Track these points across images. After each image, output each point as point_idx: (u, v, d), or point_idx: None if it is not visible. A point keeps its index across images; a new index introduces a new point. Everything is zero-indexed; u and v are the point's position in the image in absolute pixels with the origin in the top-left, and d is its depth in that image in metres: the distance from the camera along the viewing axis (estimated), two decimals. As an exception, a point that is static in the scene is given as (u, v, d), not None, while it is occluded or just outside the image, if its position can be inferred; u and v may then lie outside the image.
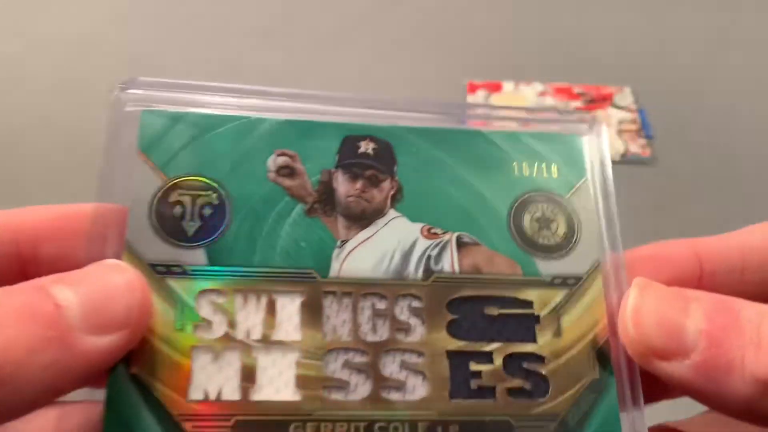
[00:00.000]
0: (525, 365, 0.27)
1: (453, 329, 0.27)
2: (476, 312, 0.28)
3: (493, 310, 0.28)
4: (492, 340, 0.27)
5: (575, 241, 0.29)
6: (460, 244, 0.28)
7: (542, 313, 0.28)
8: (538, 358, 0.27)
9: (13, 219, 0.26)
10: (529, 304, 0.28)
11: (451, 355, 0.27)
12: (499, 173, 0.30)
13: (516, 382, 0.27)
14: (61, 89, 0.54)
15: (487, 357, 0.27)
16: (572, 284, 0.28)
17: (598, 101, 0.44)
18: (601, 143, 0.31)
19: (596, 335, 0.28)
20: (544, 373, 0.27)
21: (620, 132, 0.42)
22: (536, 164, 0.30)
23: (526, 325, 0.28)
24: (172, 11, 0.50)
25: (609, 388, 0.27)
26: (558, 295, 0.28)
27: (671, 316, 0.25)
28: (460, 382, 0.26)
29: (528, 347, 0.27)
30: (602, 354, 0.27)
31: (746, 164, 0.43)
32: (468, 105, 0.31)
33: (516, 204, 0.29)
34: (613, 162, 0.46)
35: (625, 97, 0.43)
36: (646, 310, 0.26)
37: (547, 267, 0.29)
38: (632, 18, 0.49)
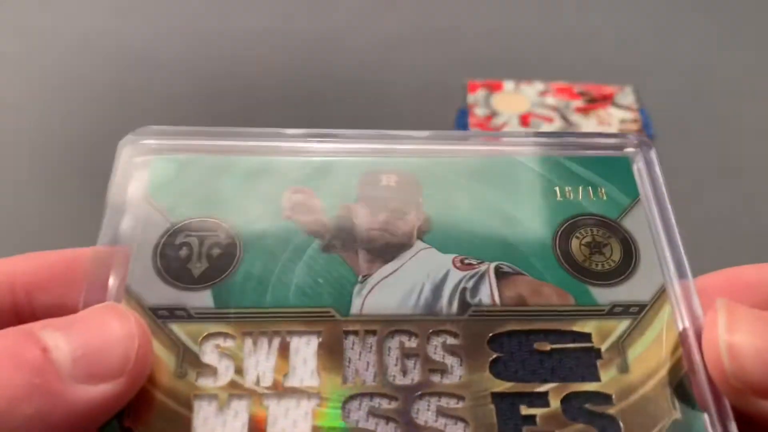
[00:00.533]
0: (588, 407, 0.22)
1: (497, 369, 0.23)
2: (524, 348, 0.23)
3: (545, 346, 0.24)
4: (545, 381, 0.23)
5: (634, 266, 0.25)
6: (500, 274, 0.25)
7: (603, 347, 0.24)
8: (604, 398, 0.23)
9: (7, 268, 0.25)
10: (586, 336, 0.24)
11: (498, 397, 0.22)
12: (539, 198, 0.27)
13: (579, 427, 0.22)
14: (61, 88, 0.54)
15: (542, 399, 0.23)
16: (636, 312, 0.24)
17: (599, 100, 0.42)
18: (652, 163, 0.28)
19: (672, 368, 0.23)
20: (612, 414, 0.22)
21: (621, 131, 0.39)
22: (581, 188, 0.27)
23: (585, 361, 0.23)
24: (173, 11, 0.50)
25: (696, 429, 0.22)
26: (620, 326, 0.24)
27: None
28: (510, 429, 0.22)
29: (590, 386, 0.23)
30: (682, 390, 0.23)
31: (748, 164, 0.40)
32: (495, 134, 0.28)
33: (561, 230, 0.26)
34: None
35: (626, 96, 0.42)
36: (743, 339, 0.21)
37: (605, 295, 0.25)
38: (633, 17, 0.48)
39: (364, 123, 0.47)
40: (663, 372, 0.23)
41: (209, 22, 0.52)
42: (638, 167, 0.28)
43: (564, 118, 0.43)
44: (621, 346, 0.23)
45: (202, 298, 0.24)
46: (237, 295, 0.24)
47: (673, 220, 0.26)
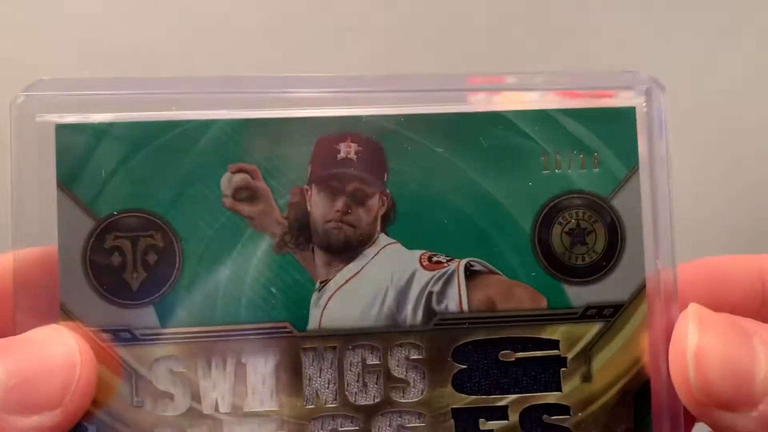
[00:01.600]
0: (546, 419, 0.23)
1: (459, 382, 0.23)
2: (489, 359, 0.23)
3: (510, 356, 0.23)
4: (507, 392, 0.23)
5: (617, 258, 0.23)
6: (470, 274, 0.23)
7: (570, 355, 0.23)
8: (562, 410, 0.23)
9: None
10: (553, 344, 0.23)
11: (458, 413, 0.23)
12: (523, 172, 0.23)
13: None
14: None
15: (501, 412, 0.23)
16: (609, 315, 0.23)
17: (599, 100, 0.38)
18: (660, 115, 0.23)
19: (635, 375, 0.23)
20: (568, 427, 0.23)
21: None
22: (572, 154, 0.23)
23: (550, 371, 0.23)
24: (172, 10, 0.44)
25: None
26: (591, 331, 0.23)
27: (740, 361, 0.21)
28: None
29: (551, 397, 0.23)
30: (641, 398, 0.23)
31: (749, 164, 0.40)
32: (478, 76, 0.23)
33: (543, 214, 0.23)
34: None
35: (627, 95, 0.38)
36: (711, 351, 0.21)
37: (580, 295, 0.23)
38: (635, 15, 0.44)
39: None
40: (626, 379, 0.23)
41: (208, 22, 0.42)
42: (642, 121, 0.23)
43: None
44: (587, 353, 0.23)
45: (146, 316, 0.22)
46: (183, 311, 0.22)
47: (670, 199, 0.23)
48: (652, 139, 0.23)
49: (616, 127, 0.23)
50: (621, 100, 0.23)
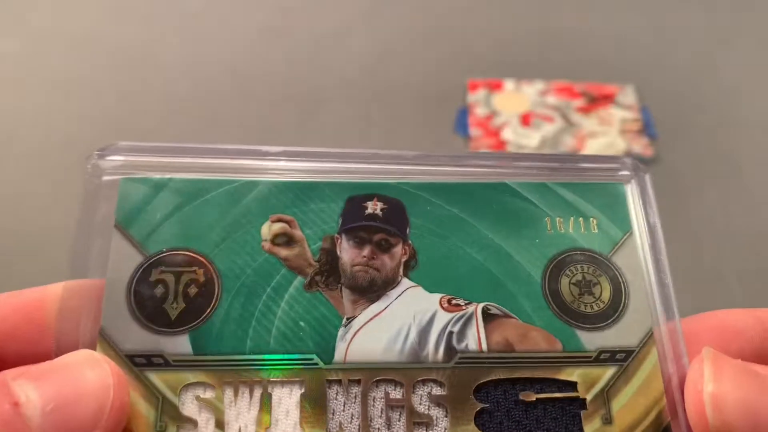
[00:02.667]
0: None
1: (483, 421, 0.23)
2: (509, 398, 0.23)
3: (530, 396, 0.23)
4: None
5: (623, 307, 0.25)
6: (487, 317, 0.24)
7: (588, 397, 0.23)
8: None
9: None
10: (572, 385, 0.24)
11: None
12: (530, 230, 0.26)
13: None
14: (60, 87, 0.52)
15: None
16: (622, 359, 0.24)
17: (600, 100, 0.41)
18: (645, 191, 0.27)
19: (655, 418, 0.23)
20: None
21: (623, 131, 0.39)
22: (572, 218, 0.26)
23: (570, 412, 0.23)
24: (172, 9, 0.48)
25: None
26: (606, 373, 0.24)
27: (757, 402, 0.21)
28: None
29: None
30: None
31: (749, 164, 0.41)
32: (486, 155, 0.27)
33: (551, 266, 0.25)
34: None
35: (627, 95, 0.41)
36: (727, 392, 0.21)
37: (592, 339, 0.24)
38: (635, 16, 0.47)
39: (365, 123, 0.44)
40: (646, 423, 0.23)
41: (209, 21, 0.49)
42: (632, 195, 0.27)
43: (565, 117, 0.41)
44: (606, 395, 0.23)
45: (180, 343, 0.23)
46: (215, 340, 0.23)
47: (665, 257, 0.26)
48: (646, 210, 0.26)
49: (607, 198, 0.26)
50: (611, 176, 0.27)
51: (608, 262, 0.26)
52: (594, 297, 0.25)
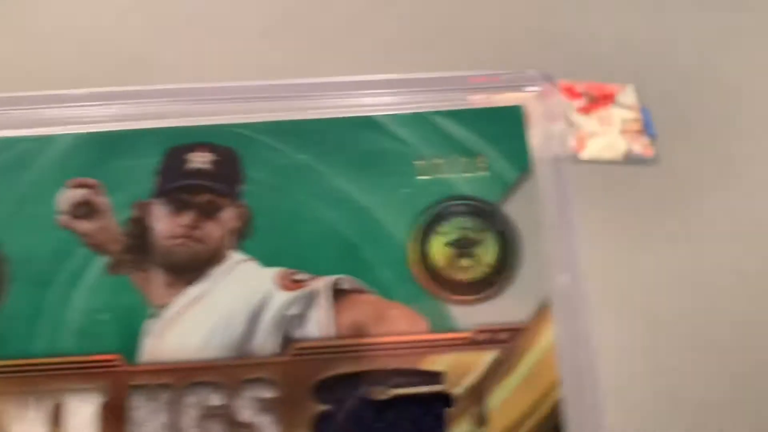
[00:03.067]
0: None
1: (323, 427, 0.18)
2: (358, 397, 0.19)
3: (383, 393, 0.19)
4: None
5: (512, 272, 0.19)
6: (337, 294, 0.19)
7: (458, 390, 0.19)
8: None
9: None
10: (436, 377, 0.19)
11: None
12: (395, 178, 0.20)
13: None
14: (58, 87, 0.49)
15: None
16: (507, 340, 0.19)
17: (600, 100, 0.39)
18: (554, 115, 0.21)
19: (547, 417, 0.18)
20: None
21: (623, 131, 0.37)
22: (453, 157, 0.20)
23: (433, 412, 0.19)
24: (172, 9, 0.46)
25: None
26: (483, 359, 0.19)
27: None
28: None
29: None
30: None
31: (750, 164, 0.40)
32: (345, 84, 0.21)
33: (420, 222, 0.20)
34: (615, 162, 0.39)
35: (628, 95, 0.39)
36: None
37: (468, 316, 0.19)
38: (635, 16, 0.45)
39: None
40: (532, 422, 0.18)
41: (209, 20, 0.46)
42: (535, 122, 0.21)
43: (565, 117, 0.37)
44: (480, 389, 0.19)
45: None
46: (1, 343, 0.19)
47: (571, 200, 0.20)
48: (551, 138, 0.20)
49: (502, 127, 0.20)
50: (506, 99, 0.21)
51: (496, 212, 0.20)
52: (474, 260, 0.20)
